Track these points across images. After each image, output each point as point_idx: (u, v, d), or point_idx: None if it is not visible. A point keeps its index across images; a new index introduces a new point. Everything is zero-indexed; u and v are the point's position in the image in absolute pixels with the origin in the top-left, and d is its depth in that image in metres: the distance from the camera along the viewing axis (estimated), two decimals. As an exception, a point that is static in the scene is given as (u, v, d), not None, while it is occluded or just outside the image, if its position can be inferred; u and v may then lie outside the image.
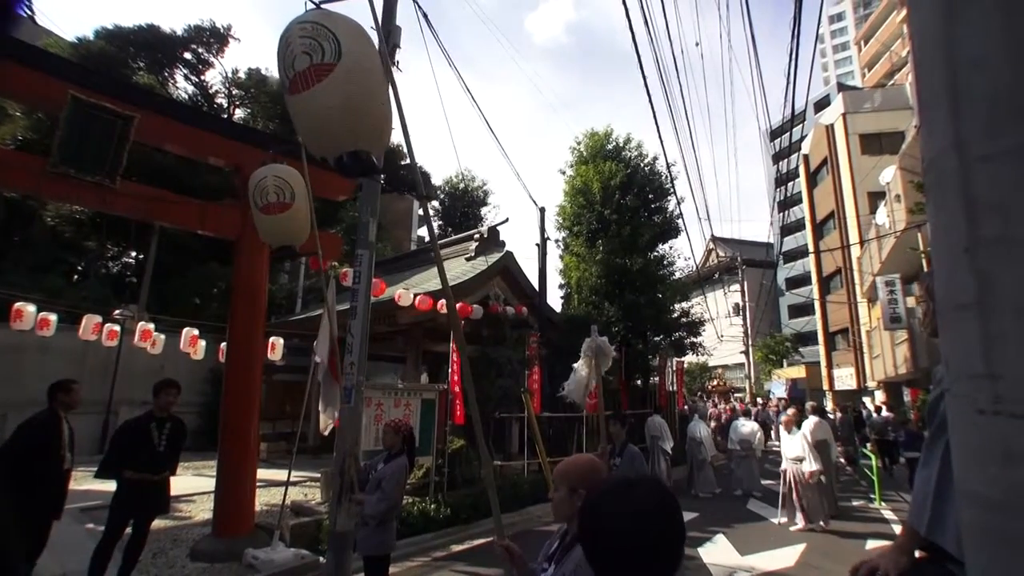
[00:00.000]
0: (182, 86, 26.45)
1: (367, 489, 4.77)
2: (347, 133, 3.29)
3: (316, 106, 3.25)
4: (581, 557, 4.01)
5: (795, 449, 9.47)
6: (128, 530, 5.74)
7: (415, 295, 11.03)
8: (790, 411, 10.38)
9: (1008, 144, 0.86)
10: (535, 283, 15.01)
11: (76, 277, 22.39)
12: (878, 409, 19.67)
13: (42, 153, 6.55)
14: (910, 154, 17.45)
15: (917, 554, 1.86)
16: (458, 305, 11.18)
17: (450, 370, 10.68)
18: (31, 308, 12.06)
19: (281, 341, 14.77)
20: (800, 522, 9.27)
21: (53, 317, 12.41)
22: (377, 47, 3.47)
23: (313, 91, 3.20)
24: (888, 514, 10.36)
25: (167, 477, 5.90)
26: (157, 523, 6.35)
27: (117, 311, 14.00)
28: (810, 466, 9.12)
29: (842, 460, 14.65)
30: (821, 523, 9.11)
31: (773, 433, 20.75)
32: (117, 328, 13.45)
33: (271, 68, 28.02)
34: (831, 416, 17.48)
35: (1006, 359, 0.87)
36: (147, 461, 5.61)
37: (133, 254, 24.15)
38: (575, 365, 7.13)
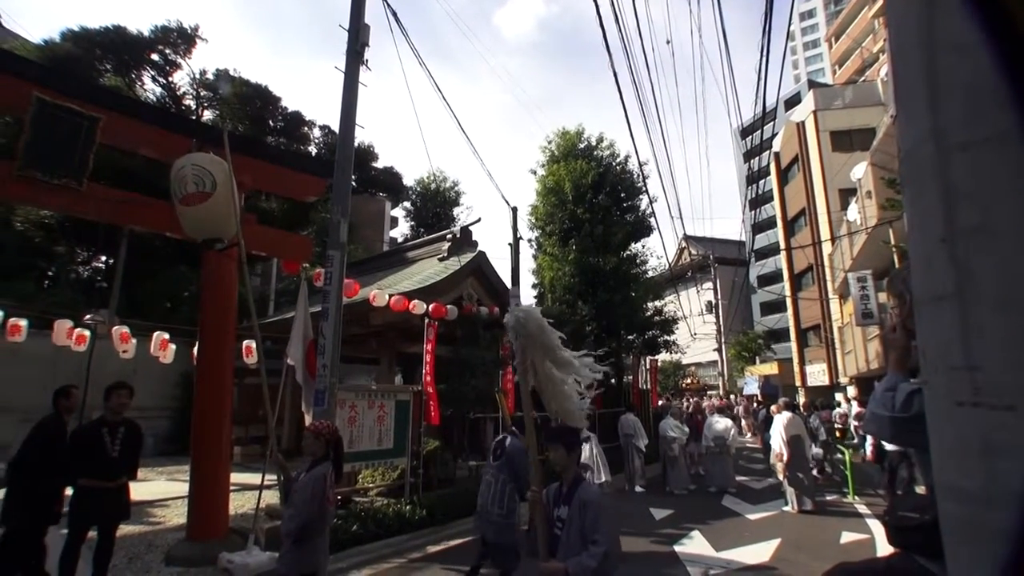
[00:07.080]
0: (150, 87, 26.16)
1: (288, 502, 4.20)
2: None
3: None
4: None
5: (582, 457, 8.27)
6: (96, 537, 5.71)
7: (389, 295, 10.94)
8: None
9: (988, 132, 0.84)
10: (508, 283, 14.97)
11: (47, 282, 22.08)
12: (821, 407, 20.14)
13: (1, 155, 6.41)
14: (881, 150, 17.64)
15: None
16: (432, 306, 11.13)
17: (424, 371, 10.62)
18: (0, 313, 12.13)
19: (254, 344, 14.56)
20: None
21: (24, 322, 12.48)
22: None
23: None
24: (862, 508, 10.49)
25: (125, 483, 5.79)
26: (131, 528, 6.23)
27: (88, 316, 13.73)
28: (597, 477, 8.11)
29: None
30: None
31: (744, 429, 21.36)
32: (87, 333, 13.23)
33: (240, 69, 27.74)
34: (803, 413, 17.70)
35: (985, 350, 0.86)
36: (101, 467, 5.52)
37: (103, 258, 23.83)
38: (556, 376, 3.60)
